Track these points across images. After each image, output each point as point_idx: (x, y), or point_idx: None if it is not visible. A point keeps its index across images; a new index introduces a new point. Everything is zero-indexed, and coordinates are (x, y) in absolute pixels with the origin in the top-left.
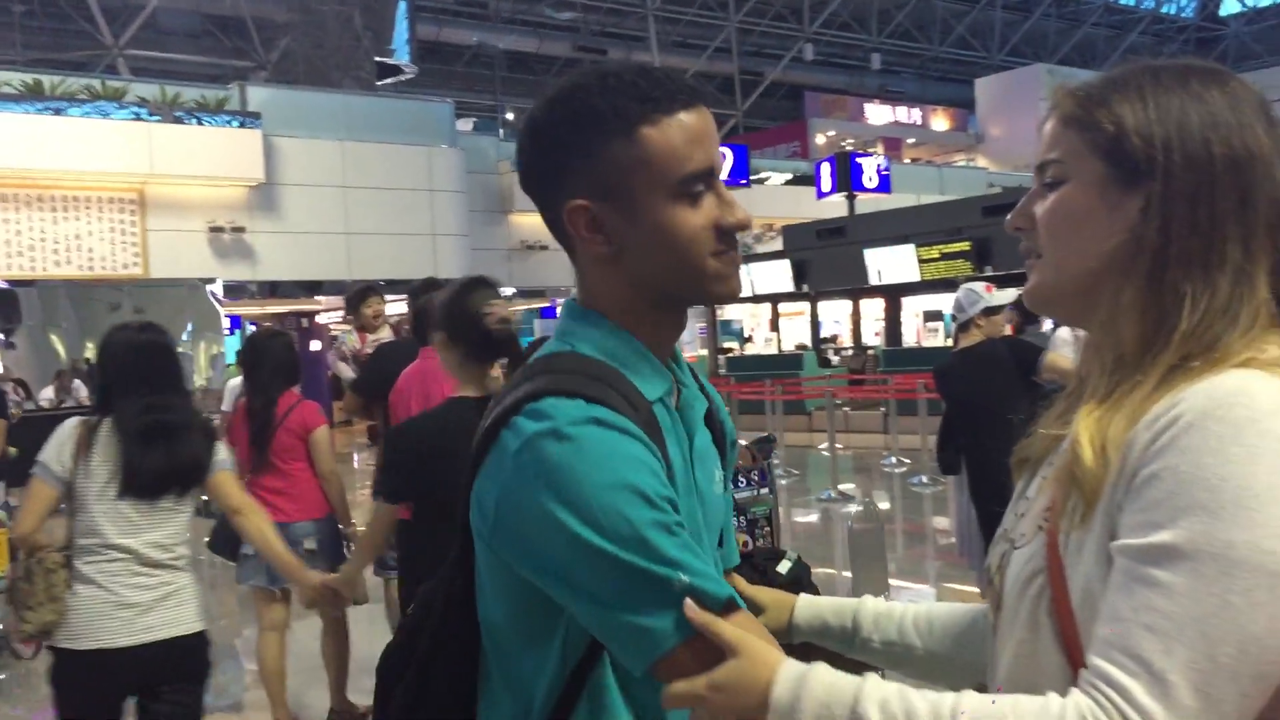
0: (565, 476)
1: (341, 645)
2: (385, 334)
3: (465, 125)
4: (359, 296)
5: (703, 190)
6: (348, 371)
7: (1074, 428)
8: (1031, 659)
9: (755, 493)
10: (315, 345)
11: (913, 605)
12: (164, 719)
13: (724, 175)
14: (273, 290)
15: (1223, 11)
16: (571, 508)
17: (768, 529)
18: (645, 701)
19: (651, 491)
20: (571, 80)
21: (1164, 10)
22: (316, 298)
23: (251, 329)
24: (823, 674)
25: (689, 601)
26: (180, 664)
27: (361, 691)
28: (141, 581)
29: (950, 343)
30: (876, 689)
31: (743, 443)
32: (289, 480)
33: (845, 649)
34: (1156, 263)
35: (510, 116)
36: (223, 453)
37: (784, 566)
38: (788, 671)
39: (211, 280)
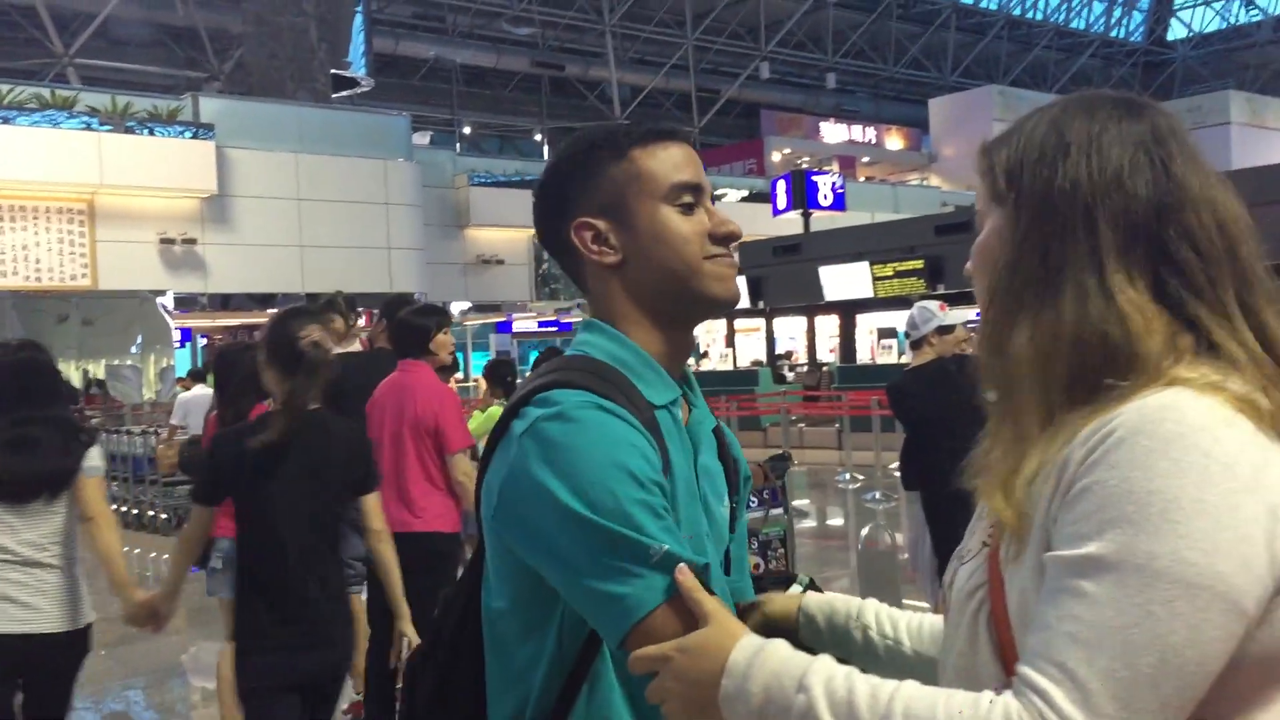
0: (562, 453)
1: None
2: (355, 346)
3: (422, 139)
4: (323, 308)
5: (693, 202)
6: None
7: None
8: (971, 670)
9: (766, 513)
10: None
11: (913, 613)
12: (31, 709)
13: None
14: (224, 303)
15: (1170, 36)
16: (564, 480)
17: (781, 551)
18: (644, 696)
19: (641, 474)
20: (574, 135)
21: (1113, 34)
22: (269, 311)
23: (203, 342)
24: (780, 647)
25: (681, 565)
26: (48, 659)
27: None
28: (16, 578)
29: (904, 359)
30: (826, 666)
31: (755, 462)
32: None
33: (847, 642)
34: (1008, 284)
35: (467, 131)
36: (94, 459)
37: (795, 590)
38: (748, 640)
39: (162, 292)
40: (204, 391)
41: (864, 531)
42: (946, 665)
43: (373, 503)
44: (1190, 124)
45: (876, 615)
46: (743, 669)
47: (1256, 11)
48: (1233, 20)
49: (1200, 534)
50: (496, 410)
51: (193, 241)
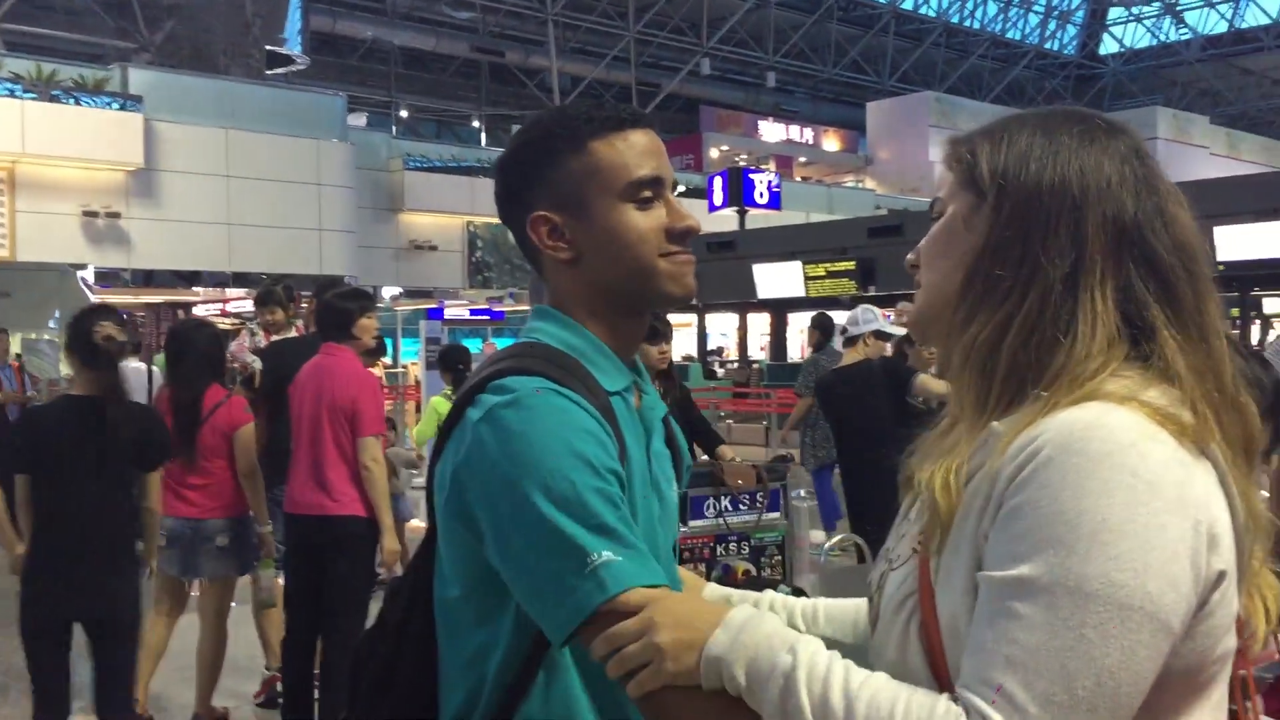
0: (519, 441)
1: (219, 650)
2: (291, 333)
3: (359, 120)
4: (263, 299)
5: (652, 197)
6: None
7: (927, 462)
8: (902, 679)
9: (759, 517)
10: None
11: (806, 599)
12: None
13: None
14: (148, 279)
15: (1102, 50)
16: (520, 468)
17: (779, 558)
18: (603, 683)
19: (598, 462)
20: (533, 117)
21: (1047, 47)
22: (195, 289)
23: (124, 319)
24: (775, 619)
25: (625, 594)
26: None
27: (224, 693)
28: None
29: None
30: (816, 641)
31: (750, 462)
32: (209, 477)
33: None
34: (980, 273)
35: (404, 114)
36: None
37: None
38: (746, 607)
39: (83, 266)
40: (136, 365)
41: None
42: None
43: (153, 481)
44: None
45: (771, 605)
46: (739, 624)
47: (1186, 30)
48: (1163, 38)
49: (1130, 555)
50: (441, 402)
51: (116, 215)
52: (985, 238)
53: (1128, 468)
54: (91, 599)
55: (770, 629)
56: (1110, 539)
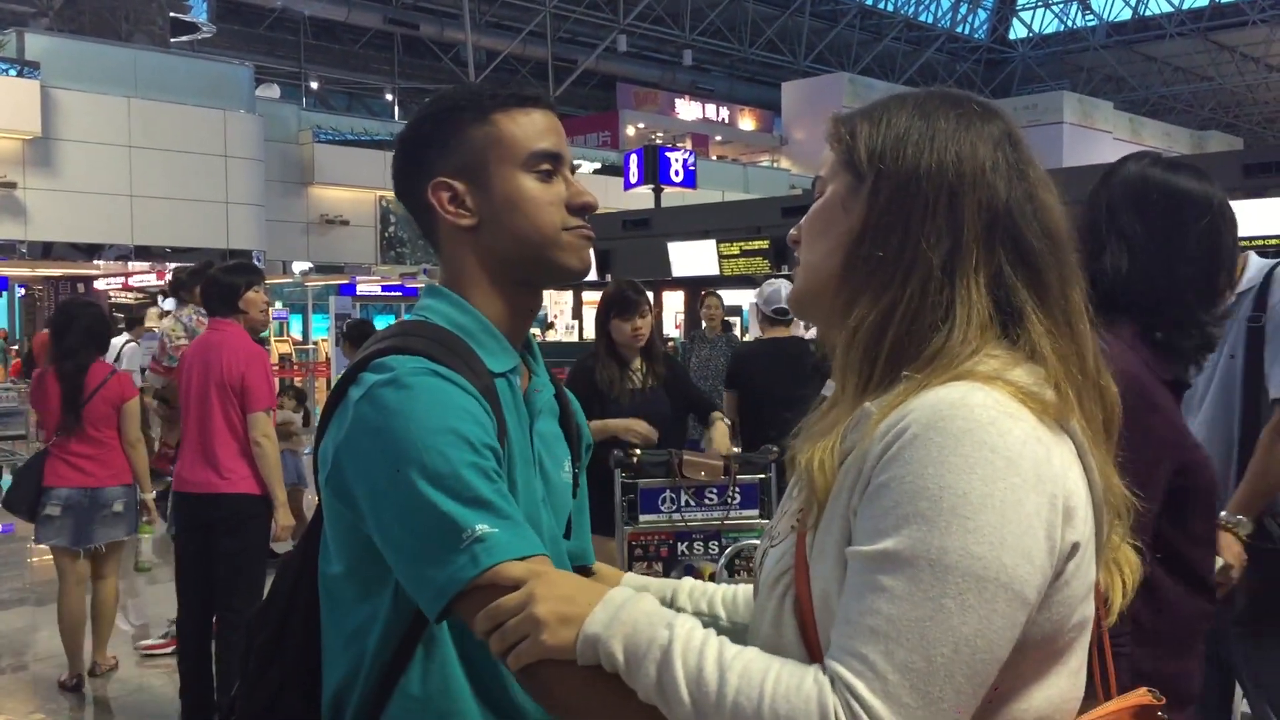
0: (397, 419)
1: (112, 606)
2: None
3: (272, 93)
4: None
5: (552, 171)
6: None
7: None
8: (776, 653)
9: (725, 514)
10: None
11: (726, 585)
12: None
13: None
14: (46, 251)
15: (1012, 35)
16: (397, 446)
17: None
18: (481, 658)
19: (475, 439)
20: (439, 93)
21: (959, 30)
22: (95, 261)
23: (20, 292)
24: (654, 600)
25: (497, 568)
26: None
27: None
28: None
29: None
30: (694, 619)
31: (723, 453)
32: (100, 447)
33: None
34: (859, 257)
35: (314, 85)
36: None
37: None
38: (626, 588)
39: None
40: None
41: None
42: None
43: None
44: (1026, 121)
45: (690, 593)
46: (619, 603)
47: (1092, 17)
48: (1070, 23)
49: (987, 528)
50: None
51: (12, 185)
52: (863, 220)
53: (987, 444)
54: None
55: (649, 607)
56: (969, 513)
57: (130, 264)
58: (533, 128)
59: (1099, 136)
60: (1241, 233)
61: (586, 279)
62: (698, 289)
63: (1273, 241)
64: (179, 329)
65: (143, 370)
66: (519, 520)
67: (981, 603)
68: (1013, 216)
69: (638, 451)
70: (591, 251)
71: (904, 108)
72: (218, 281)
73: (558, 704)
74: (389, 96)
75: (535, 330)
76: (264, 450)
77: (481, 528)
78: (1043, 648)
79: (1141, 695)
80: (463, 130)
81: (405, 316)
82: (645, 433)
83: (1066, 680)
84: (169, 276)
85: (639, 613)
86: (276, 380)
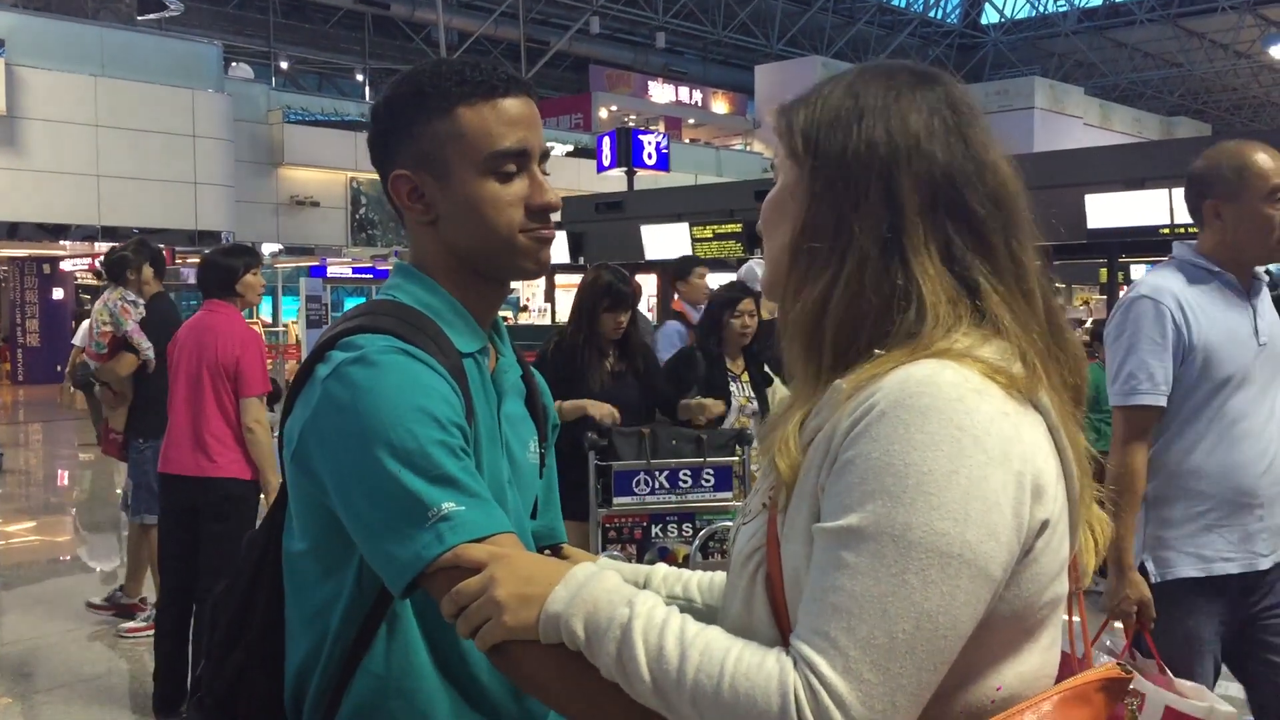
0: (365, 397)
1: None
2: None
3: (245, 73)
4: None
5: (515, 170)
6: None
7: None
8: (747, 631)
9: (701, 495)
10: (59, 293)
11: (701, 571)
12: None
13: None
14: (11, 232)
15: (983, 20)
16: (364, 423)
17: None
18: (444, 636)
19: (443, 417)
20: (411, 69)
21: (931, 15)
22: (61, 242)
23: None
24: (616, 577)
25: (459, 549)
26: None
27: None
28: None
29: None
30: (655, 597)
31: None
32: None
33: None
34: (803, 243)
35: (284, 65)
36: None
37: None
38: (589, 565)
39: None
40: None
41: None
42: (723, 625)
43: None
44: (997, 107)
45: (665, 578)
46: (580, 581)
47: (1063, 2)
48: (1041, 9)
49: (952, 504)
50: None
51: None
52: (805, 208)
53: (954, 422)
54: None
55: (611, 584)
56: (934, 489)
57: (97, 245)
58: (498, 122)
59: (1069, 122)
60: None
61: (560, 263)
62: (670, 272)
63: None
64: (105, 314)
65: None
66: (486, 498)
67: (944, 579)
68: (955, 185)
69: (614, 417)
70: (549, 252)
71: (836, 89)
72: (216, 264)
73: (527, 682)
74: (359, 77)
75: (508, 314)
76: (256, 436)
77: (448, 505)
78: (1013, 625)
79: (1110, 668)
80: (425, 121)
81: (375, 295)
82: (617, 417)
83: (1038, 657)
84: (101, 259)
85: (600, 590)
86: None
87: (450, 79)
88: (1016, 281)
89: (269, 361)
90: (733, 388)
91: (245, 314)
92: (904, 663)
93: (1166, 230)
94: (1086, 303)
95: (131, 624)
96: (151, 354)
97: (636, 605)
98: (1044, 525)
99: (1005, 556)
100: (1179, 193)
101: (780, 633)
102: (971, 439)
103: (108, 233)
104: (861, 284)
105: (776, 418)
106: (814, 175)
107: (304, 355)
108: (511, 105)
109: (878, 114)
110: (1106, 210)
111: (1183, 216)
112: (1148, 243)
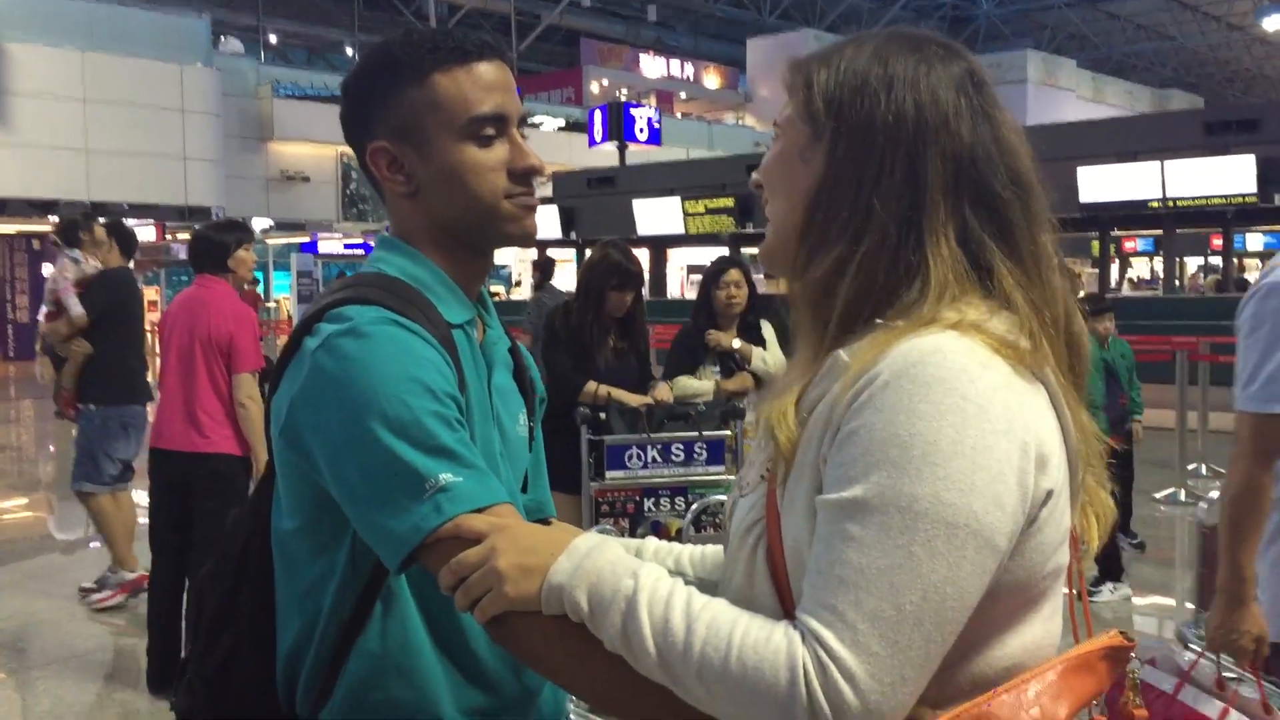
0: (357, 368)
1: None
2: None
3: (235, 46)
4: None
5: (494, 135)
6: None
7: (774, 393)
8: (749, 604)
9: (692, 469)
10: (48, 269)
11: (694, 545)
12: None
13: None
14: (1, 208)
15: None
16: (357, 395)
17: (721, 517)
18: (441, 612)
19: (437, 387)
20: (380, 41)
21: None
22: (50, 218)
23: None
24: (619, 547)
25: (459, 520)
26: None
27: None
28: None
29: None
30: (660, 569)
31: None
32: None
33: None
34: (817, 213)
35: (274, 39)
36: None
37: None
38: (592, 535)
39: None
40: None
41: None
42: (726, 598)
43: None
44: (991, 79)
45: (656, 552)
46: (584, 552)
47: None
48: None
49: (958, 475)
50: None
51: None
52: (821, 176)
53: (958, 392)
54: None
55: (614, 556)
56: (939, 460)
57: None
58: (474, 87)
59: (1062, 95)
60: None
61: (553, 238)
62: (662, 248)
63: (1235, 200)
64: (58, 279)
65: None
66: (483, 468)
67: (951, 549)
68: (978, 165)
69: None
70: (535, 219)
71: (861, 52)
72: (208, 239)
73: (527, 654)
74: (350, 51)
75: (499, 289)
76: (249, 412)
77: (445, 477)
78: (1016, 595)
79: (1113, 637)
80: (400, 91)
81: (360, 268)
82: (664, 397)
83: (1040, 627)
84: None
85: (604, 561)
86: None
87: (423, 47)
88: (1034, 263)
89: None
90: (707, 369)
91: (248, 288)
92: (912, 635)
93: (1158, 204)
94: (1079, 276)
95: (99, 595)
96: (80, 315)
97: (641, 577)
98: (1048, 495)
99: (1011, 526)
100: (1171, 165)
101: (782, 604)
102: (976, 408)
103: (97, 208)
104: (877, 261)
105: (776, 387)
106: (834, 140)
107: None
108: (486, 70)
109: (908, 84)
110: (1099, 183)
111: (1174, 190)
112: (1139, 216)
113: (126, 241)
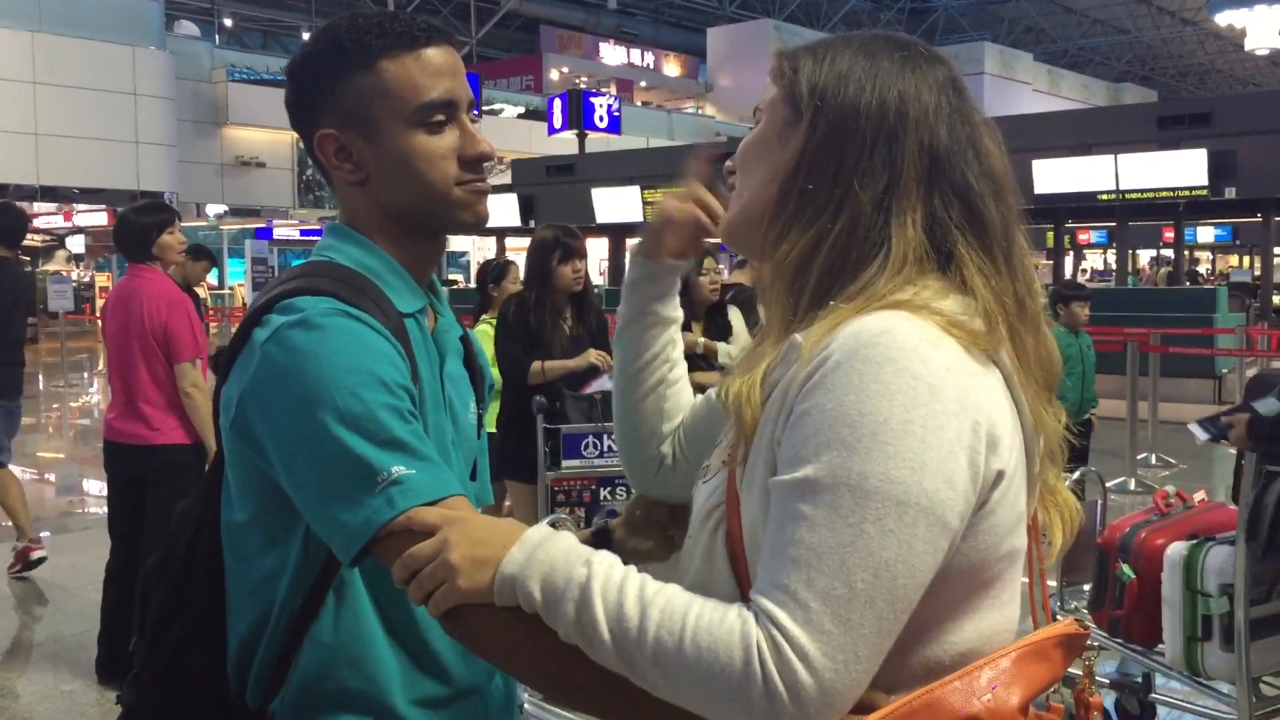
0: (308, 361)
1: None
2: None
3: (189, 29)
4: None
5: (444, 121)
6: None
7: (737, 372)
8: (707, 588)
9: None
10: None
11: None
12: None
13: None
14: None
15: None
16: (309, 388)
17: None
18: (393, 603)
19: (390, 379)
20: (327, 23)
21: None
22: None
23: None
24: (571, 537)
25: (411, 512)
26: None
27: None
28: None
29: None
30: (612, 557)
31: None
32: None
33: None
34: (795, 196)
35: (228, 23)
36: None
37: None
38: (543, 526)
39: None
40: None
41: None
42: (684, 582)
43: None
44: None
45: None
46: (536, 542)
47: None
48: None
49: (908, 453)
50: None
51: None
52: (799, 154)
53: (909, 371)
54: None
55: (567, 545)
56: (890, 438)
57: (36, 205)
58: (423, 73)
59: (1019, 88)
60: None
61: (511, 225)
62: (621, 236)
63: (1184, 193)
64: None
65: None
66: (435, 460)
67: (902, 527)
68: (953, 161)
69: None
70: (486, 204)
71: (849, 47)
72: (128, 223)
73: (482, 647)
74: (306, 35)
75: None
76: (195, 401)
77: (398, 469)
78: (969, 578)
79: (1068, 624)
80: (347, 78)
81: (310, 257)
82: (597, 360)
83: (997, 613)
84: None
85: (556, 551)
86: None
87: (370, 31)
88: (1005, 257)
89: (214, 326)
90: None
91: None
92: (864, 613)
93: (1111, 196)
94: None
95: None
96: None
97: (594, 565)
98: (999, 475)
99: (962, 505)
100: (1125, 159)
101: (739, 587)
102: (927, 387)
103: (46, 192)
104: (851, 238)
105: (740, 367)
106: (815, 121)
107: None
108: (435, 55)
109: (893, 78)
110: (1054, 176)
111: (1127, 182)
112: (1093, 208)
113: (8, 234)
